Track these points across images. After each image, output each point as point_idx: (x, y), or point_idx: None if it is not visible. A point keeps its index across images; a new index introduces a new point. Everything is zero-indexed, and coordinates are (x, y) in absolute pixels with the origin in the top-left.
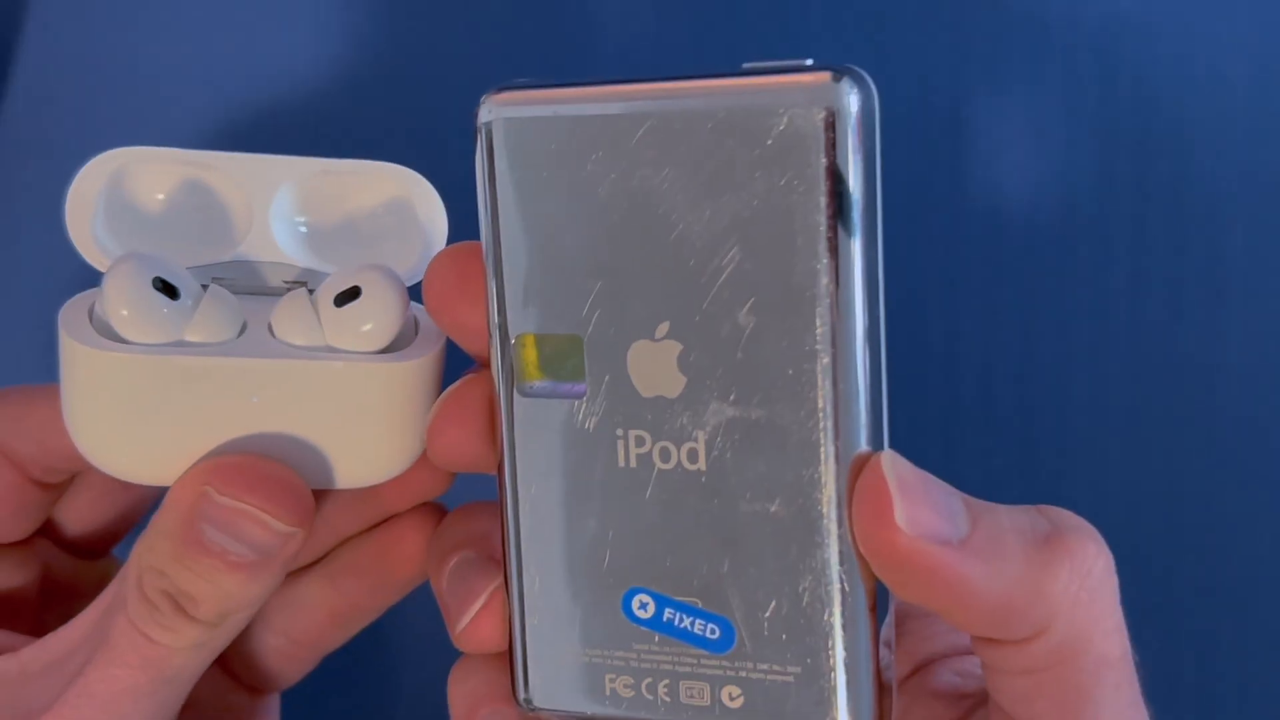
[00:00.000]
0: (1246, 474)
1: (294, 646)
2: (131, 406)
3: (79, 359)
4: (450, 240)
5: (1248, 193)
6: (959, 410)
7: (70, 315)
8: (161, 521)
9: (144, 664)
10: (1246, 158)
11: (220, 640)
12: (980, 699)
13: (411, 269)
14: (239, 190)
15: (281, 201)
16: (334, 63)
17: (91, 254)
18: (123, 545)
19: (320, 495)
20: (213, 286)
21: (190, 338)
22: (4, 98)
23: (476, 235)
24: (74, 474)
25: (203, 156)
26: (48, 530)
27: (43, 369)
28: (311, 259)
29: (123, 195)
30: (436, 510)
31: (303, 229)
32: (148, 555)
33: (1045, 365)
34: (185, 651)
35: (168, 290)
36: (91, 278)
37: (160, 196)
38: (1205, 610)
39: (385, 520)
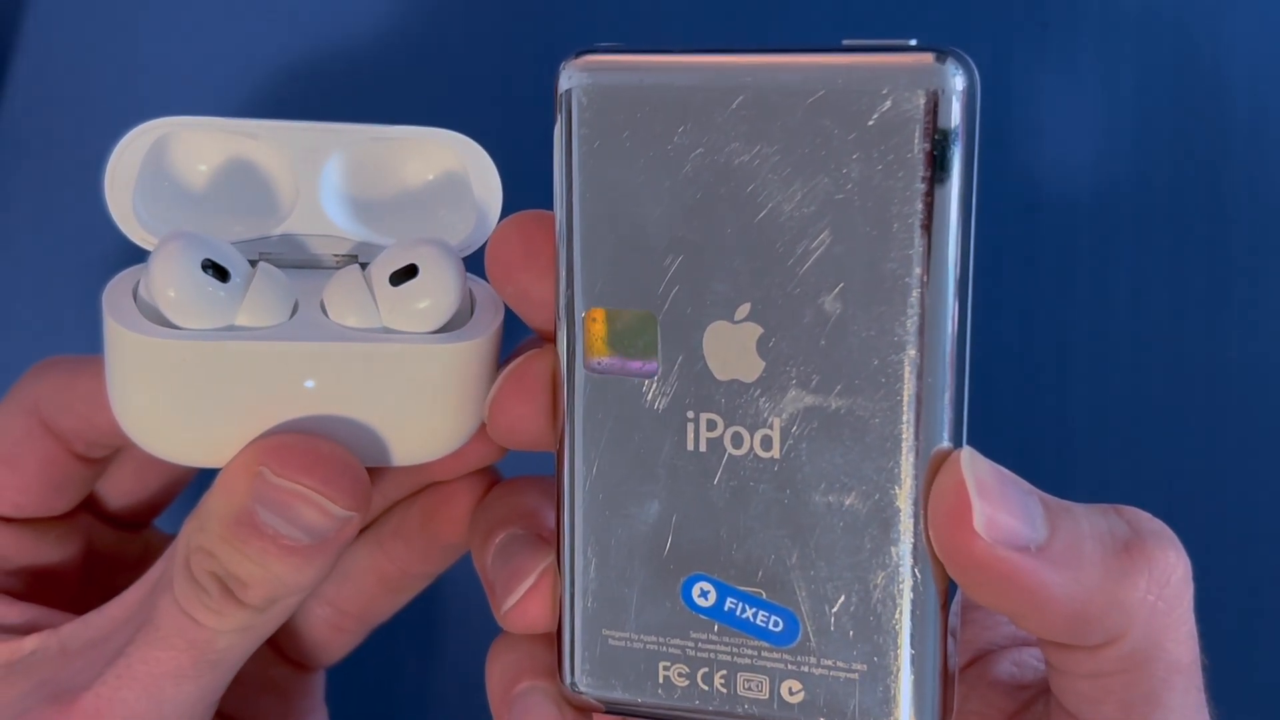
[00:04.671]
0: (1249, 474)
1: (341, 616)
2: (182, 393)
3: (127, 345)
4: (505, 208)
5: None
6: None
7: (115, 298)
8: (212, 502)
9: (188, 646)
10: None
11: (268, 625)
12: (1038, 690)
13: (466, 239)
14: (286, 160)
15: (330, 171)
16: (368, 25)
17: (132, 228)
18: (165, 517)
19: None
20: (262, 265)
21: (242, 321)
22: (5, 89)
23: (532, 203)
24: (118, 448)
25: (247, 125)
26: (90, 503)
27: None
28: (362, 230)
29: (164, 167)
30: (486, 474)
31: (352, 200)
32: (197, 535)
33: (1046, 364)
34: (231, 635)
35: (218, 272)
36: (93, 273)
37: (203, 168)
38: (1206, 610)
39: (434, 483)
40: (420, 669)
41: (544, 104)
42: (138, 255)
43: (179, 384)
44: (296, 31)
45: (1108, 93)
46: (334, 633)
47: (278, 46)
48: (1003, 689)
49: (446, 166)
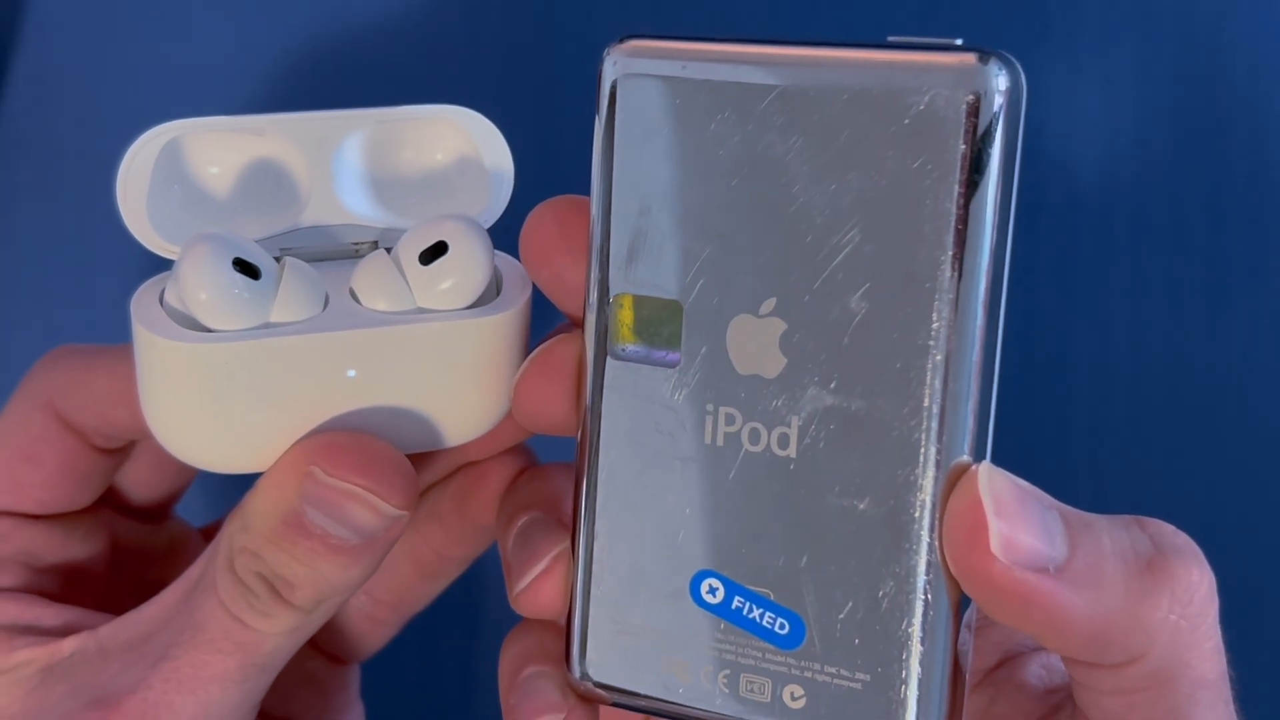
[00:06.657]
0: (1249, 474)
1: (377, 606)
2: (224, 398)
3: (162, 354)
4: (516, 177)
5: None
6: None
7: (143, 307)
8: (257, 502)
9: (236, 649)
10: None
11: (314, 625)
12: (1067, 694)
13: (482, 212)
14: (296, 152)
15: (341, 159)
16: (358, 13)
17: (149, 238)
18: (183, 508)
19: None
20: (289, 260)
21: (276, 318)
22: (5, 89)
23: (540, 170)
24: (135, 440)
25: (253, 121)
26: (110, 497)
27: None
28: (380, 215)
29: (174, 173)
30: (519, 456)
31: (366, 185)
32: (240, 536)
33: (1045, 364)
34: (279, 637)
35: (248, 270)
36: (94, 273)
37: (214, 170)
38: None
39: (467, 464)
40: (457, 665)
41: (540, 74)
42: (140, 253)
43: (219, 388)
44: (294, 24)
45: (1108, 93)
46: (371, 623)
47: (277, 40)
48: (1031, 692)
49: (454, 142)
